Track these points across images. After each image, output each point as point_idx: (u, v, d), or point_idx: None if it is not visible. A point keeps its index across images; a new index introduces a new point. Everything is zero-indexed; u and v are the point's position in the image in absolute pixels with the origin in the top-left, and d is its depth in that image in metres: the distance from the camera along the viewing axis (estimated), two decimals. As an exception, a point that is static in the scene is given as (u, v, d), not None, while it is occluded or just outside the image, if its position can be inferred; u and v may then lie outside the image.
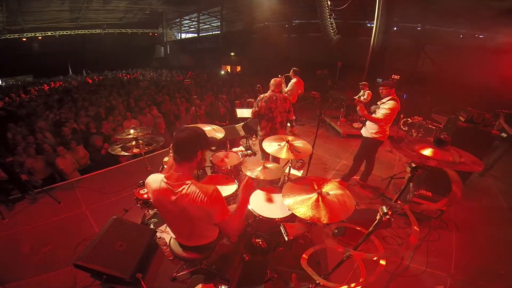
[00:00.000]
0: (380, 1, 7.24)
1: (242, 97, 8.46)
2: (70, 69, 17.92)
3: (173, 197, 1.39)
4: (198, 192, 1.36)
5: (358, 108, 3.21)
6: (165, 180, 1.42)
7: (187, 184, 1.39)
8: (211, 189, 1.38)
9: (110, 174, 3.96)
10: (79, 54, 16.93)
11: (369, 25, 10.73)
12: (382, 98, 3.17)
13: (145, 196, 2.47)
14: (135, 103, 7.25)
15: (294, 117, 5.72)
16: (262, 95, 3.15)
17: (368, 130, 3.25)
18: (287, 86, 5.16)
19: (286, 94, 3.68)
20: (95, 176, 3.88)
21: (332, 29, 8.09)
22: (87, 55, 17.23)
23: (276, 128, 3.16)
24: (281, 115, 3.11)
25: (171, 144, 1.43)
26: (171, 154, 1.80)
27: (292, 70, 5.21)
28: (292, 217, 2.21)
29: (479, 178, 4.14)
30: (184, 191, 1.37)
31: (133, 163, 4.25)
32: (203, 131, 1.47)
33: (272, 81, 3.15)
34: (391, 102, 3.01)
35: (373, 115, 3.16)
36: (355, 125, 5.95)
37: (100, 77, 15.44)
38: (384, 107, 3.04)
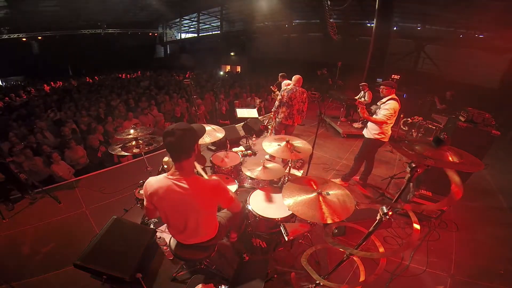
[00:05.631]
0: (380, 1, 7.23)
1: (242, 97, 8.46)
2: (70, 69, 17.90)
3: (181, 192, 1.42)
4: (206, 185, 1.47)
5: (359, 110, 3.20)
6: (170, 177, 1.44)
7: (193, 178, 1.45)
8: (216, 181, 1.51)
9: (110, 174, 3.96)
10: (79, 54, 16.89)
11: (369, 25, 10.73)
12: (382, 98, 3.16)
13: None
14: (135, 103, 7.25)
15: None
16: (285, 87, 3.88)
17: (370, 131, 3.24)
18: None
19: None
20: (95, 176, 3.87)
21: (332, 29, 8.08)
22: (87, 55, 17.19)
23: (293, 114, 3.82)
24: (299, 104, 3.79)
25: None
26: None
27: (279, 75, 5.24)
28: (292, 217, 2.21)
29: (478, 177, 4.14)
30: (192, 185, 1.42)
31: (133, 163, 4.25)
32: (189, 125, 1.44)
33: (294, 77, 3.83)
34: (392, 102, 3.01)
35: (374, 116, 3.16)
36: (355, 125, 5.95)
37: (101, 76, 15.45)
38: (385, 107, 3.03)
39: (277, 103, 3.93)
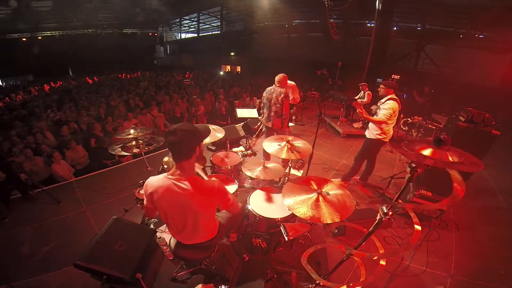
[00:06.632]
0: (380, 1, 7.23)
1: (241, 97, 8.46)
2: (70, 69, 17.91)
3: (180, 192, 1.42)
4: (206, 186, 1.47)
5: (358, 111, 3.20)
6: (170, 176, 1.44)
7: (193, 178, 1.45)
8: (216, 182, 1.51)
9: (110, 174, 3.96)
10: (79, 54, 16.89)
11: (369, 25, 10.73)
12: (381, 98, 3.17)
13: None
14: (135, 103, 7.26)
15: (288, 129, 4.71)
16: (267, 88, 3.65)
17: (372, 131, 3.24)
18: None
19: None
20: (95, 176, 3.87)
21: (332, 29, 8.08)
22: (87, 55, 17.20)
23: (272, 116, 3.60)
24: (275, 106, 3.52)
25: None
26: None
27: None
28: (292, 217, 2.21)
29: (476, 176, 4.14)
30: (191, 186, 1.42)
31: (133, 163, 4.25)
32: (193, 126, 1.44)
33: (277, 77, 3.56)
34: (391, 101, 3.01)
35: (374, 116, 3.16)
36: (355, 125, 5.95)
37: (100, 76, 15.46)
38: (384, 107, 3.03)
39: (262, 104, 3.79)
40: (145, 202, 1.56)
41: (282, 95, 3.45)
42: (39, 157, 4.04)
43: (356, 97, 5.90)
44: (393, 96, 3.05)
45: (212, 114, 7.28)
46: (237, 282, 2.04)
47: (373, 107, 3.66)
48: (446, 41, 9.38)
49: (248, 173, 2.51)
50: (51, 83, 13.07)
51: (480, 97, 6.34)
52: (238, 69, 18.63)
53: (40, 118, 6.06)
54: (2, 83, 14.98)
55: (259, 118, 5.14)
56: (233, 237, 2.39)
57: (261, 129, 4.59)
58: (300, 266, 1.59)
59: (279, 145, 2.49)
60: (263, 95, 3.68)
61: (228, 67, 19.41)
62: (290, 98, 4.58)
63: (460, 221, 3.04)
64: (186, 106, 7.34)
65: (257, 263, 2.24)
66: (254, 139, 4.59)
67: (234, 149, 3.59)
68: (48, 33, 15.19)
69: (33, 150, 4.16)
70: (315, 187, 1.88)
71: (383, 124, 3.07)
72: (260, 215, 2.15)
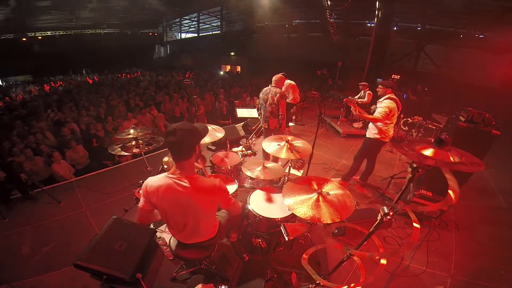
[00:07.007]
0: (381, 1, 7.24)
1: (241, 97, 8.46)
2: (70, 69, 17.91)
3: (181, 190, 1.42)
4: (207, 185, 1.46)
5: (352, 108, 3.22)
6: (170, 175, 1.44)
7: (194, 177, 1.44)
8: (217, 181, 1.50)
9: (110, 174, 3.96)
10: (79, 54, 16.89)
11: (369, 25, 10.74)
12: (381, 98, 3.18)
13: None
14: (135, 103, 7.25)
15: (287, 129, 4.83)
16: (263, 89, 3.65)
17: (371, 131, 3.26)
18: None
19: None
20: (95, 176, 3.87)
21: (332, 29, 8.09)
22: (87, 55, 17.19)
23: (268, 116, 3.60)
24: (271, 106, 3.52)
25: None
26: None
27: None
28: (292, 217, 2.21)
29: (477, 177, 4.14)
30: (192, 184, 1.42)
31: (133, 163, 4.25)
32: (192, 125, 1.44)
33: (274, 77, 3.57)
34: (387, 101, 3.02)
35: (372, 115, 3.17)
36: (355, 125, 5.95)
37: (101, 76, 15.46)
38: (381, 105, 3.06)
39: (259, 105, 3.80)
40: (141, 203, 1.53)
41: (278, 95, 3.43)
42: (39, 157, 4.04)
43: (356, 97, 5.90)
44: (392, 95, 3.05)
45: (213, 114, 7.28)
46: (237, 282, 2.04)
47: (373, 107, 3.67)
48: (446, 41, 9.38)
49: (248, 173, 2.51)
50: (51, 83, 13.07)
51: (480, 97, 6.34)
52: (238, 69, 18.62)
53: (40, 118, 6.05)
54: (2, 82, 14.97)
55: (259, 118, 5.16)
56: (233, 237, 2.39)
57: (259, 129, 4.60)
58: (300, 266, 1.59)
59: (278, 145, 2.49)
60: (259, 95, 3.68)
61: (228, 67, 19.41)
62: (290, 98, 4.58)
63: (460, 221, 3.05)
64: (186, 106, 7.34)
65: (257, 263, 2.24)
66: (251, 139, 4.60)
67: (234, 149, 3.59)
68: (48, 33, 15.18)
69: (33, 150, 4.16)
70: (315, 187, 1.87)
71: (380, 123, 3.08)
72: (260, 215, 2.15)
